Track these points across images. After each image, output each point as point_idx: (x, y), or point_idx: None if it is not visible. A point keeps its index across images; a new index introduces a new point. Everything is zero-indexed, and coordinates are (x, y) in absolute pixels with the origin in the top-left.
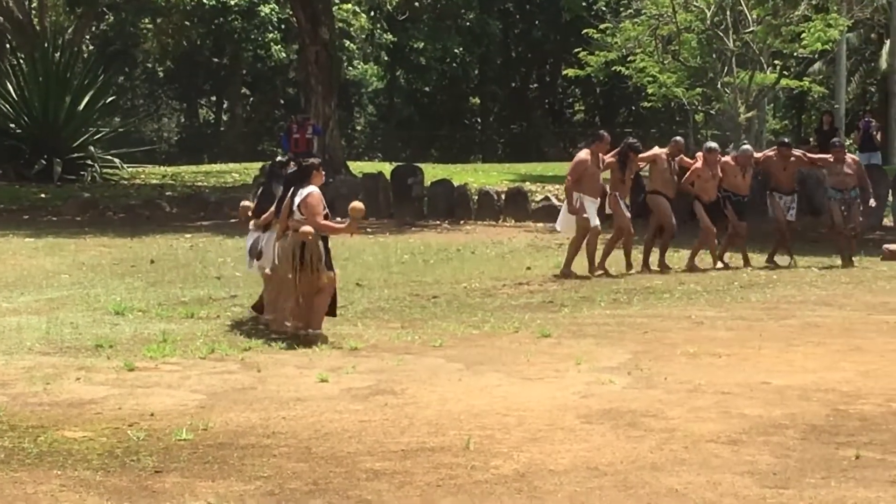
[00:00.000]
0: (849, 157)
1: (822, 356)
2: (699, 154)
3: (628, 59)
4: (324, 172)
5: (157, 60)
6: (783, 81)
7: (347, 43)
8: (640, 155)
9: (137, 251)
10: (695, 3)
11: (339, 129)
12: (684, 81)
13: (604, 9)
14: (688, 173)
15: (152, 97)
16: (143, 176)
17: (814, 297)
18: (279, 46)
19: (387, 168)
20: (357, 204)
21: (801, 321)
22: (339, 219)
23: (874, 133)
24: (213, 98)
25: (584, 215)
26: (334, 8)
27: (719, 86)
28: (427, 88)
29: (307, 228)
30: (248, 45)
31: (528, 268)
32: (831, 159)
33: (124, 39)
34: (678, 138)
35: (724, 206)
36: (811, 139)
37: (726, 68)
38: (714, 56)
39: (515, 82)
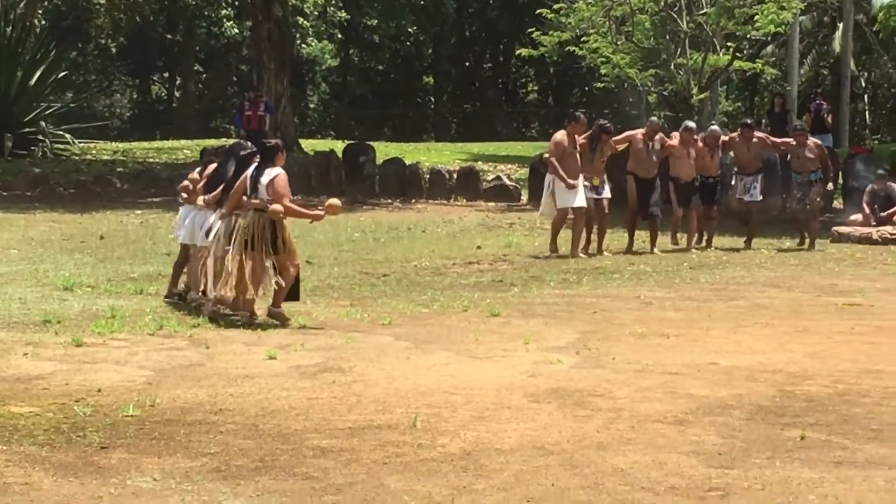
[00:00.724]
0: (811, 140)
1: (769, 337)
2: (675, 133)
3: (582, 39)
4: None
5: (110, 36)
6: (736, 63)
7: (301, 20)
8: (616, 137)
9: (87, 227)
10: None
11: (292, 106)
12: (637, 62)
13: None
14: (663, 149)
15: (105, 73)
16: (94, 152)
17: (763, 278)
18: (232, 23)
19: (339, 146)
20: (335, 201)
21: (750, 302)
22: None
23: (825, 116)
24: (166, 74)
25: (570, 193)
26: None
27: (672, 67)
28: (381, 67)
29: (277, 207)
30: (201, 22)
31: (479, 247)
32: (794, 143)
33: (77, 14)
34: (654, 119)
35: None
36: (763, 121)
37: (679, 50)
38: (667, 37)
39: (469, 62)
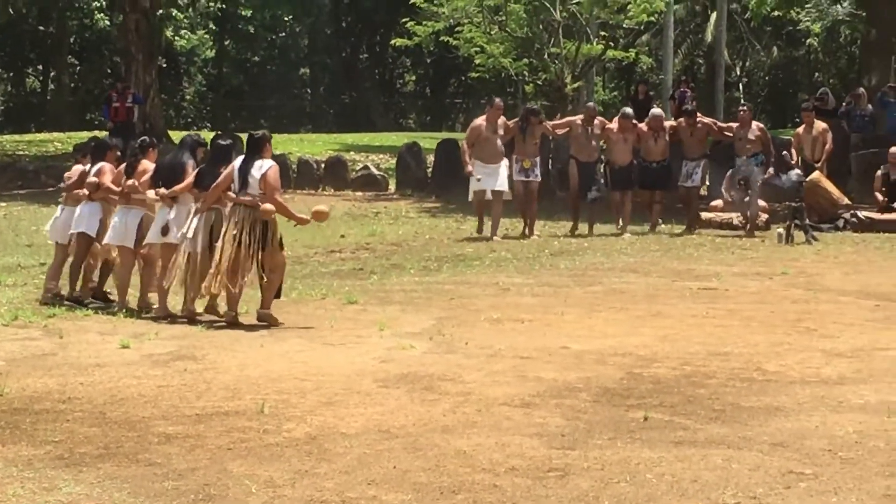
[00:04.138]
0: (754, 124)
1: (622, 321)
2: (616, 119)
3: (456, 29)
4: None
5: None
6: (610, 52)
7: (174, 12)
8: (556, 122)
9: None
10: None
11: (164, 97)
12: (512, 52)
13: None
14: (602, 132)
15: None
16: None
17: (622, 264)
18: (102, 14)
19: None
20: (322, 208)
21: (607, 287)
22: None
23: (689, 103)
24: (40, 67)
25: (478, 178)
26: None
27: (546, 56)
28: (256, 58)
29: (269, 207)
30: (73, 14)
31: (342, 236)
32: (737, 125)
33: None
34: (590, 104)
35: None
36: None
37: (553, 39)
38: (541, 27)
39: (345, 52)
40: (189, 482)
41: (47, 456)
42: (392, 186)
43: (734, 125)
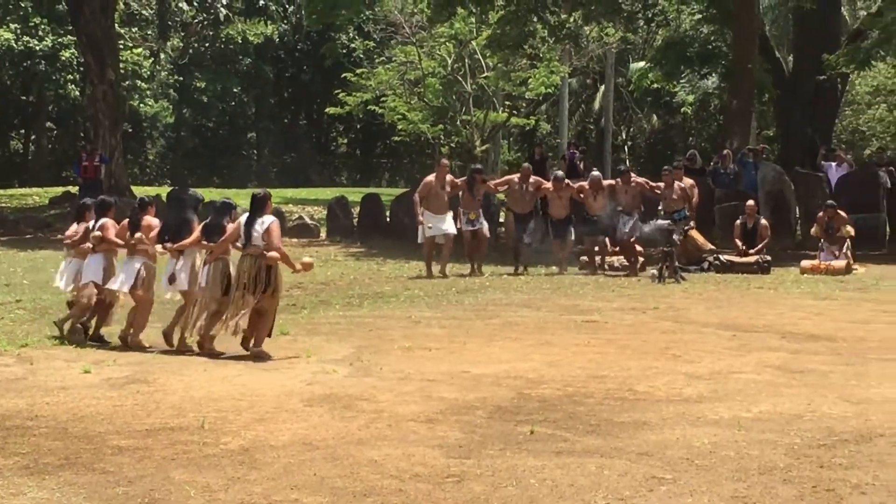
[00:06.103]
0: (677, 184)
1: (516, 349)
2: (551, 181)
3: (381, 99)
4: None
5: None
6: (513, 119)
7: (139, 83)
8: (497, 181)
9: None
10: (437, 51)
11: (129, 157)
12: (429, 119)
13: (361, 56)
14: (538, 190)
15: None
16: None
17: (518, 300)
18: (74, 86)
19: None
20: (308, 260)
21: (504, 320)
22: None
23: (578, 163)
24: (23, 131)
25: (429, 226)
26: (127, 52)
27: (458, 123)
28: (210, 123)
29: (274, 255)
30: (50, 86)
31: None
32: (663, 185)
33: None
34: (526, 165)
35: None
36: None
37: (464, 108)
38: (454, 97)
39: (287, 119)
40: (137, 488)
41: (15, 466)
42: (323, 234)
43: (660, 184)
